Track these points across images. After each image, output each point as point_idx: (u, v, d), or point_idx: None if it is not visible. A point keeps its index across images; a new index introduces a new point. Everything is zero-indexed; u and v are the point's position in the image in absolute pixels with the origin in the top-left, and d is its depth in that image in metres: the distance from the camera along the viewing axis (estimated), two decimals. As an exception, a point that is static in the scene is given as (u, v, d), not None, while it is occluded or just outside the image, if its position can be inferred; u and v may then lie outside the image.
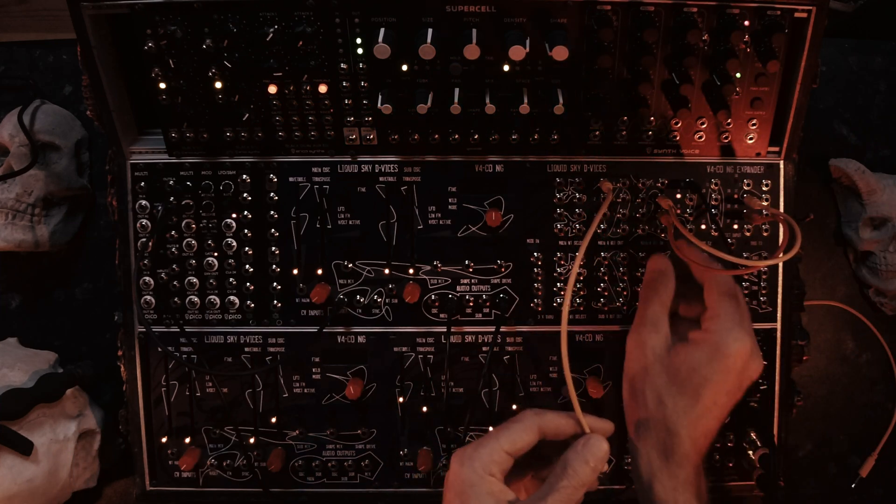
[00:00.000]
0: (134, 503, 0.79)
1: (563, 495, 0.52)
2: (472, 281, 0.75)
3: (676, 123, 0.73)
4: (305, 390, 0.77)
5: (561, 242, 0.75)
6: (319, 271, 0.75)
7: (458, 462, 0.55)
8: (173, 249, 0.75)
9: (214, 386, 0.76)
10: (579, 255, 0.65)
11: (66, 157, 0.85)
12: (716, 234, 0.75)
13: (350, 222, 0.75)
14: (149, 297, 0.75)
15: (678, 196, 0.75)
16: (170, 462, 0.77)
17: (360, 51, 0.68)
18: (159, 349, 0.76)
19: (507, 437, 0.55)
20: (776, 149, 0.75)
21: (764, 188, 0.75)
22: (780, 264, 0.76)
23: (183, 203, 0.74)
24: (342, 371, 0.76)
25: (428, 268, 0.75)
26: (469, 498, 0.52)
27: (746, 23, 0.68)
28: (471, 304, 0.76)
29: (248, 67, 0.69)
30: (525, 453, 0.57)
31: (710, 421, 0.61)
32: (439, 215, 0.75)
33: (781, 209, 0.75)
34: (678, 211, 0.74)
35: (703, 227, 0.75)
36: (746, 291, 0.76)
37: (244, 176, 0.74)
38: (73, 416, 0.79)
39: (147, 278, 0.75)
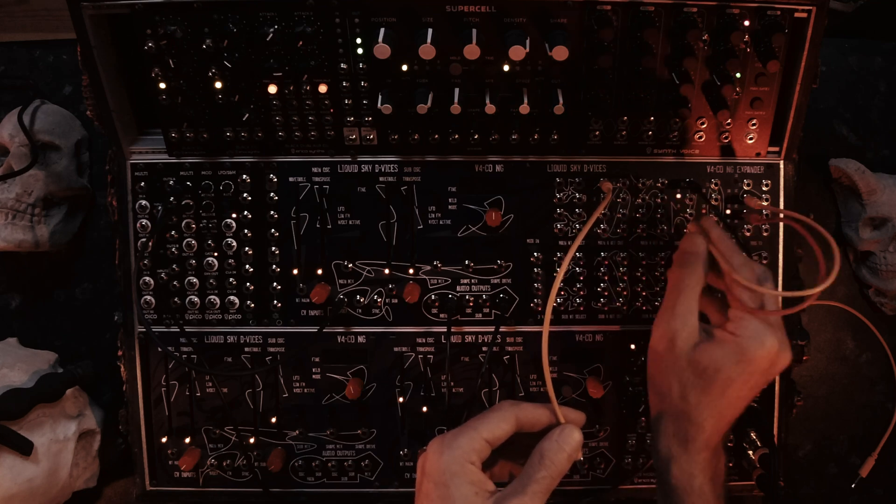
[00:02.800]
0: (134, 503, 0.79)
1: (542, 486, 0.52)
2: (472, 281, 0.75)
3: (676, 123, 0.73)
4: (305, 390, 0.77)
5: (561, 242, 0.75)
6: (319, 271, 0.75)
7: (438, 451, 0.54)
8: (173, 249, 0.75)
9: (214, 386, 0.76)
10: (573, 246, 0.65)
11: (66, 157, 0.85)
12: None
13: (350, 222, 0.75)
14: (149, 297, 0.75)
15: (678, 196, 0.75)
16: (170, 462, 0.77)
17: (360, 51, 0.68)
18: (159, 349, 0.76)
19: (486, 427, 0.55)
20: (776, 149, 0.75)
21: (764, 188, 0.76)
22: (780, 264, 0.76)
23: (183, 203, 0.74)
24: (342, 371, 0.76)
25: (428, 268, 0.75)
26: (450, 487, 0.52)
27: (746, 23, 0.68)
28: (471, 304, 0.76)
29: (248, 67, 0.69)
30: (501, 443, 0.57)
31: (734, 411, 0.62)
32: (439, 215, 0.75)
33: (781, 209, 0.75)
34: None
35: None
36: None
37: (244, 176, 0.74)
38: (73, 416, 0.79)
39: (147, 278, 0.75)
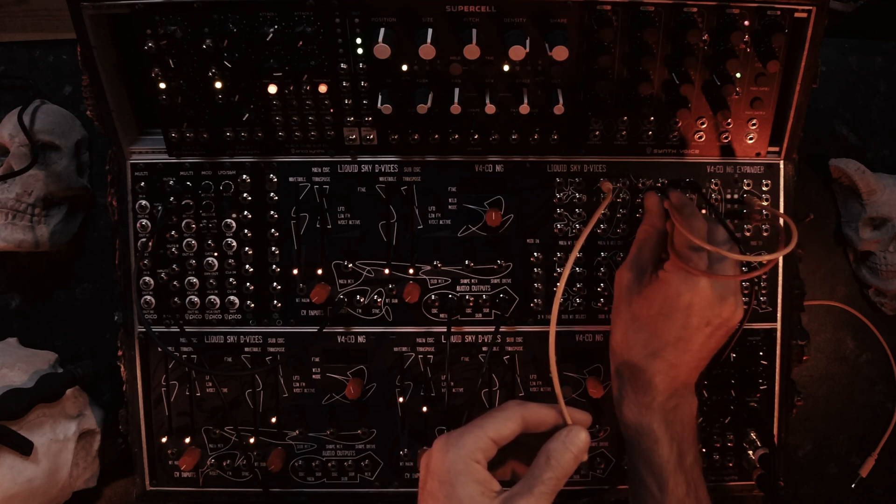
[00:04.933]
0: (134, 503, 0.79)
1: (548, 486, 0.52)
2: (472, 281, 0.75)
3: (676, 123, 0.73)
4: (305, 390, 0.77)
5: (561, 242, 0.75)
6: (319, 271, 0.75)
7: (443, 449, 0.54)
8: (173, 249, 0.75)
9: (214, 386, 0.76)
10: (574, 249, 0.65)
11: (66, 157, 0.85)
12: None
13: (350, 222, 0.75)
14: (149, 297, 0.75)
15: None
16: (170, 462, 0.77)
17: (360, 51, 0.68)
18: (159, 349, 0.76)
19: (492, 426, 0.55)
20: (776, 149, 0.75)
21: (764, 188, 0.75)
22: (780, 264, 0.76)
23: (183, 203, 0.74)
24: (342, 371, 0.76)
25: (428, 268, 0.75)
26: (456, 486, 0.52)
27: (746, 23, 0.68)
28: (471, 304, 0.76)
29: (248, 67, 0.69)
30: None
31: (675, 354, 0.64)
32: (439, 215, 0.75)
33: (781, 209, 0.75)
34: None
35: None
36: (746, 291, 0.76)
37: (244, 176, 0.74)
38: (73, 416, 0.79)
39: (147, 278, 0.75)
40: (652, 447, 0.63)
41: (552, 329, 0.60)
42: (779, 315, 0.76)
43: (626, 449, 0.68)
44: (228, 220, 0.75)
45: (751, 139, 0.74)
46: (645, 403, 0.64)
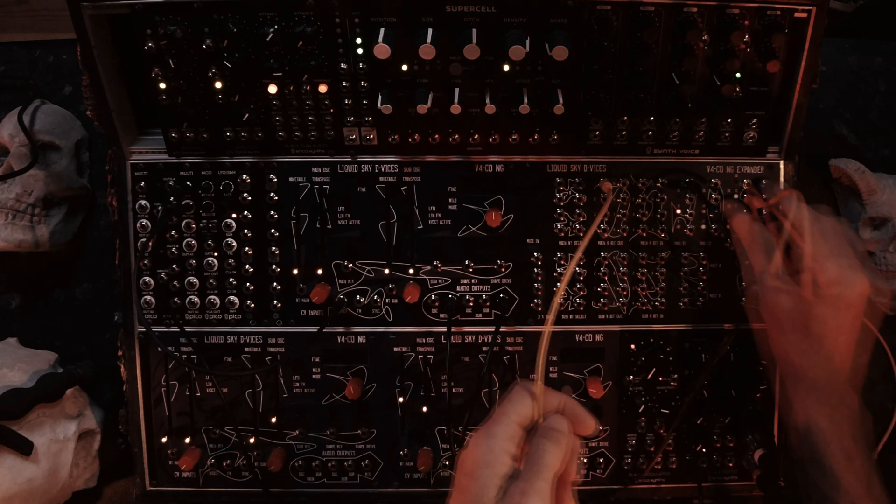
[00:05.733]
0: (134, 503, 0.79)
1: (538, 467, 0.51)
2: (472, 281, 0.75)
3: (676, 123, 0.73)
4: (305, 390, 0.77)
5: (561, 242, 0.75)
6: (319, 271, 0.75)
7: (475, 443, 0.54)
8: (173, 249, 0.75)
9: (214, 386, 0.76)
10: (577, 253, 0.65)
11: (66, 157, 0.85)
12: (716, 233, 0.75)
13: (350, 222, 0.75)
14: (149, 297, 0.75)
15: (678, 196, 0.75)
16: (170, 462, 0.77)
17: (360, 51, 0.69)
18: (159, 349, 0.76)
19: (513, 409, 0.55)
20: (776, 149, 0.75)
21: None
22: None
23: (183, 203, 0.74)
24: (342, 371, 0.76)
25: (428, 268, 0.75)
26: (476, 478, 0.52)
27: (746, 23, 0.68)
28: (471, 304, 0.76)
29: (248, 67, 0.69)
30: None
31: (835, 347, 0.66)
32: (439, 215, 0.75)
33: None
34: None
35: (703, 227, 0.75)
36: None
37: (244, 176, 0.74)
38: (73, 416, 0.79)
39: (147, 278, 0.75)
40: (822, 449, 0.64)
41: (547, 331, 0.59)
42: (779, 315, 0.76)
43: (795, 455, 0.67)
44: (228, 220, 0.75)
45: (751, 139, 0.74)
46: (812, 401, 0.66)
